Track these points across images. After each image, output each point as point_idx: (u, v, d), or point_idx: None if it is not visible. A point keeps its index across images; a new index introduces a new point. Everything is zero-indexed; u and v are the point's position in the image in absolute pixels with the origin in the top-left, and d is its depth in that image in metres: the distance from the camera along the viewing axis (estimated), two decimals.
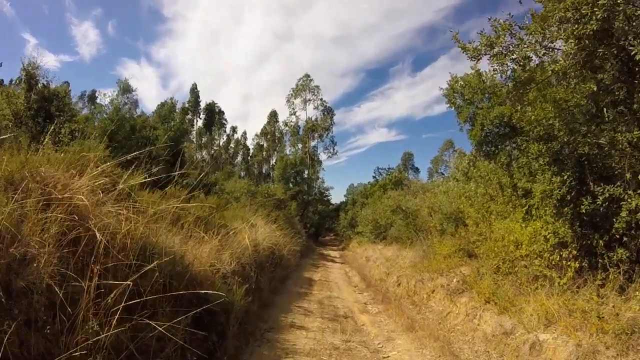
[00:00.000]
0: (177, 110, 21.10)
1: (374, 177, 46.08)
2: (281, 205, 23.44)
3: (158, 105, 19.43)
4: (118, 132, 15.62)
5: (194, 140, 48.77)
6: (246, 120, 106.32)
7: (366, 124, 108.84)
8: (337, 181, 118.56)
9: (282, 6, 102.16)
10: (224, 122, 54.06)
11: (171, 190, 6.92)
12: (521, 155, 8.30)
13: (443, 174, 47.01)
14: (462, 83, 9.25)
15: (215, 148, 52.31)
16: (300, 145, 43.80)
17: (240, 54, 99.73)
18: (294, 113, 43.14)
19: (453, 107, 9.55)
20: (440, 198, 12.54)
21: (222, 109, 53.94)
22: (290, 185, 36.05)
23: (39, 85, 11.19)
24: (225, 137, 54.54)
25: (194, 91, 51.51)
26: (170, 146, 18.06)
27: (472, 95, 8.97)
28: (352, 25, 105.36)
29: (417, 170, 52.52)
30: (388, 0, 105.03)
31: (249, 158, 54.79)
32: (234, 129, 55.70)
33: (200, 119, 51.60)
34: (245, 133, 56.45)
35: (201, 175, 20.15)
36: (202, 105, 52.12)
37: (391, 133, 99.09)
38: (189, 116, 49.99)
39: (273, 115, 52.88)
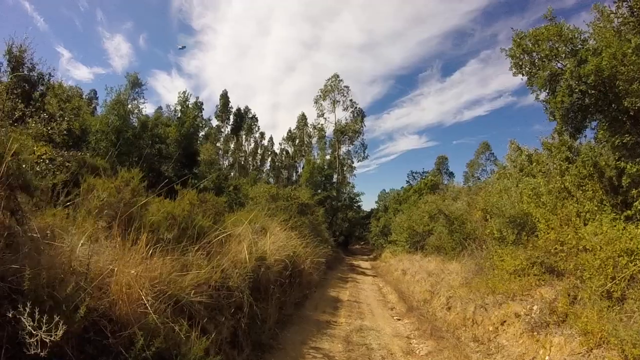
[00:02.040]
0: (189, 105, 19.47)
1: (407, 181, 43.51)
2: (306, 211, 21.50)
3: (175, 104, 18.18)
4: (125, 129, 14.09)
5: (221, 146, 47.75)
6: (275, 129, 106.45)
7: (395, 131, 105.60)
8: (367, 189, 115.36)
9: (308, 16, 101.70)
10: (254, 128, 52.58)
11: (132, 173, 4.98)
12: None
13: (479, 179, 43.45)
14: (534, 39, 6.81)
15: (241, 154, 51.02)
16: (329, 150, 41.75)
17: (269, 64, 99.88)
18: (322, 115, 41.22)
19: (521, 74, 7.11)
20: (498, 198, 10.02)
21: (255, 115, 52.76)
22: (319, 191, 33.94)
23: (24, 69, 10.15)
24: (253, 144, 53.24)
25: (225, 97, 50.55)
26: (182, 145, 16.48)
27: (550, 51, 6.50)
28: (378, 32, 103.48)
29: (451, 174, 49.43)
30: (412, 6, 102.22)
31: (276, 164, 53.22)
32: (262, 135, 54.42)
33: (230, 125, 50.52)
34: (272, 139, 54.98)
35: (215, 177, 18.17)
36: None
37: (421, 140, 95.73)
38: (218, 122, 49.07)
39: (302, 119, 51.08)
